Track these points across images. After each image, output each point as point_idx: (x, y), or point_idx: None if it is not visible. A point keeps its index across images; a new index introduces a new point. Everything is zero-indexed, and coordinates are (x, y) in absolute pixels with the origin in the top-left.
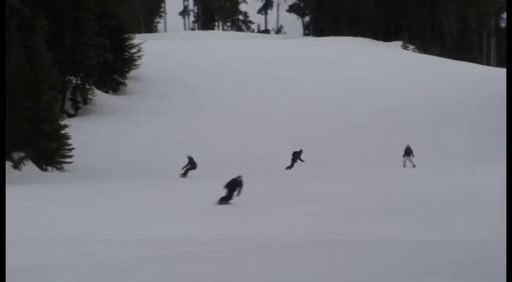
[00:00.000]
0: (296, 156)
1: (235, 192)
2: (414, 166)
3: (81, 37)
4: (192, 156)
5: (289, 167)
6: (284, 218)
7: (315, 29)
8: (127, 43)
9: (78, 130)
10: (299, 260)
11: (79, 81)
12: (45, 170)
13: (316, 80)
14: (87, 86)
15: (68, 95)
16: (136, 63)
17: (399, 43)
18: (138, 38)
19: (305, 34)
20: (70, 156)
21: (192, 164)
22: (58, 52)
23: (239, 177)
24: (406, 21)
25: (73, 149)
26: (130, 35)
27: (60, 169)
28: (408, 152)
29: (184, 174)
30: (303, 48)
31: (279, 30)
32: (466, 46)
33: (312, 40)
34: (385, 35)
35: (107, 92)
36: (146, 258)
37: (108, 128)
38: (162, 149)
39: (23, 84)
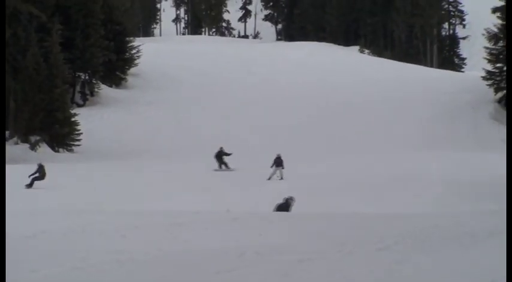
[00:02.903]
0: (220, 155)
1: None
2: (281, 178)
3: (89, 40)
4: (43, 164)
5: (224, 166)
6: (259, 194)
7: (286, 35)
8: (128, 45)
9: (85, 118)
10: (265, 228)
11: (87, 77)
12: (57, 151)
13: (287, 77)
14: (94, 81)
15: (78, 88)
16: (136, 62)
17: (357, 48)
18: (137, 41)
19: (278, 39)
20: (79, 140)
21: (40, 173)
22: (70, 52)
23: (290, 198)
24: (362, 29)
25: (81, 133)
26: (131, 38)
27: (70, 151)
28: (279, 162)
29: (30, 185)
30: (276, 50)
31: (256, 36)
32: (412, 51)
33: (283, 44)
34: (345, 41)
35: (110, 86)
36: (141, 226)
37: (111, 116)
38: (157, 134)
39: (39, 78)
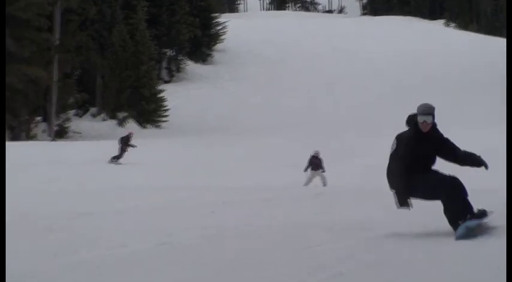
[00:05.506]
0: (126, 141)
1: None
2: (325, 185)
3: (175, 16)
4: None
5: (116, 157)
6: (344, 169)
7: (371, 9)
8: (213, 21)
9: (172, 94)
10: (352, 203)
11: (173, 53)
12: (144, 127)
13: (371, 52)
14: (179, 57)
15: (164, 64)
16: (221, 38)
17: (442, 21)
18: (222, 17)
19: (363, 14)
20: (165, 116)
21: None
22: (156, 29)
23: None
24: (447, 3)
25: (168, 109)
26: (216, 14)
27: (157, 126)
28: (316, 163)
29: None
30: (361, 25)
31: (340, 10)
32: (499, 24)
33: (368, 19)
34: (430, 14)
35: (196, 62)
36: (229, 202)
37: (197, 92)
38: (242, 110)
39: (126, 55)
